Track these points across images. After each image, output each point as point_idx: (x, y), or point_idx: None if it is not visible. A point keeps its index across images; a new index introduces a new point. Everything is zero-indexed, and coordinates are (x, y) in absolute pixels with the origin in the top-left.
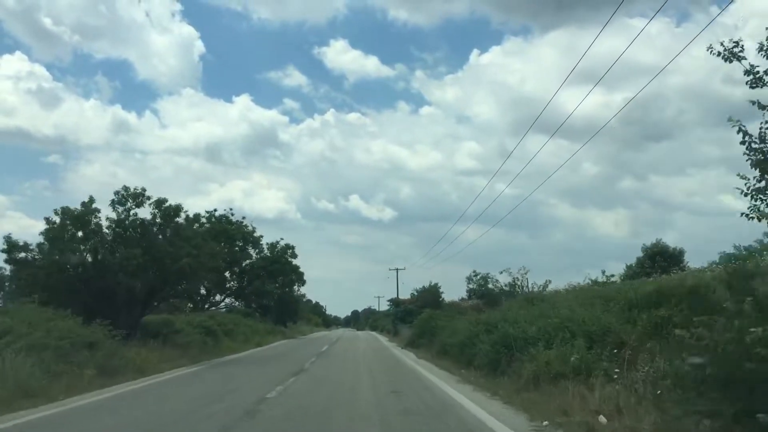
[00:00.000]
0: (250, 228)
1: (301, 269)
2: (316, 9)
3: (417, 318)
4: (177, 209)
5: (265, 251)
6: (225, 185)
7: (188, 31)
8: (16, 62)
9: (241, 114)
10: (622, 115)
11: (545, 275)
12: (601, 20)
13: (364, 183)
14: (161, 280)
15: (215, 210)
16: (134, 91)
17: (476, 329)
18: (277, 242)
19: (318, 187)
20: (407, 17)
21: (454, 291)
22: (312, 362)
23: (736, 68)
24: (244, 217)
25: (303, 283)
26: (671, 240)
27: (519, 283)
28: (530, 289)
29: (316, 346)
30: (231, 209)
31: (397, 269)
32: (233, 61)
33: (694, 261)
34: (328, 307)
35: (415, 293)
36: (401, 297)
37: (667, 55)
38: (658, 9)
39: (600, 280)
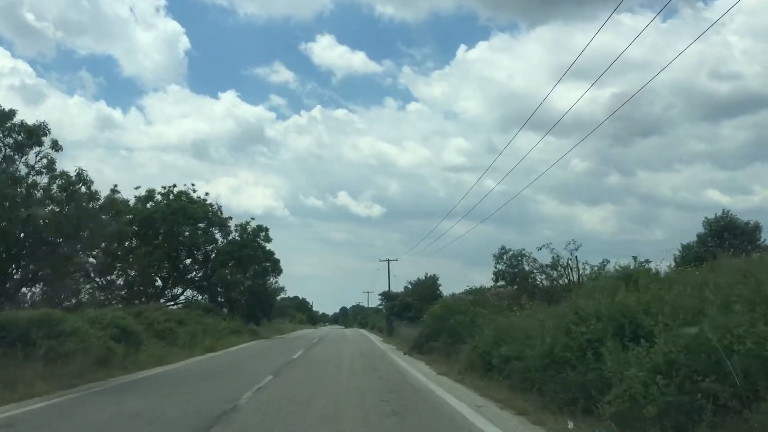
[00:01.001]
0: (215, 207)
1: (276, 256)
2: (303, 4)
3: (426, 312)
4: (35, 131)
5: (234, 234)
6: (211, 182)
7: (173, 26)
8: None
9: (228, 110)
10: (609, 111)
11: None
12: (588, 16)
13: (352, 180)
14: (5, 246)
15: (173, 185)
16: (119, 88)
17: (586, 331)
18: (247, 223)
19: (306, 183)
20: (394, 12)
21: (447, 285)
22: (261, 387)
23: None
24: (207, 193)
25: (279, 272)
26: (658, 236)
27: (567, 262)
28: (581, 271)
29: (287, 351)
30: (193, 184)
31: (388, 260)
32: (219, 57)
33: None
34: (317, 305)
35: (409, 286)
36: (393, 291)
37: (653, 50)
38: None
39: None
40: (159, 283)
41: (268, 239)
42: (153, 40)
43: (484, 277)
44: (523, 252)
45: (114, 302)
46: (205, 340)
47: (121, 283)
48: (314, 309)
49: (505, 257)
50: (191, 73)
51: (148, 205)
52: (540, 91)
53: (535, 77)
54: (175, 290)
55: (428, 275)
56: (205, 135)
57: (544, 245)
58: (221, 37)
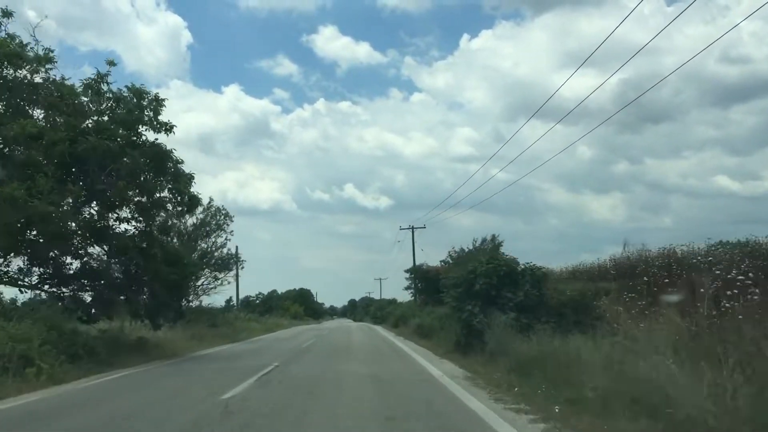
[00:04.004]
0: (44, 54)
1: (193, 178)
2: None
3: None
4: None
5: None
6: (217, 177)
7: (174, 20)
8: None
9: (232, 104)
10: (616, 97)
11: (539, 261)
12: (595, 1)
13: (358, 172)
14: None
15: None
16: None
17: None
18: (103, 77)
19: (312, 176)
20: (397, 2)
21: None
22: None
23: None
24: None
25: (189, 200)
26: (667, 223)
27: None
28: None
29: None
30: None
31: (412, 227)
32: (222, 50)
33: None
34: (327, 299)
35: (449, 260)
36: (418, 266)
37: (660, 34)
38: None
39: None
40: None
41: (161, 125)
42: (155, 34)
43: None
44: None
45: None
46: None
47: None
48: (320, 301)
49: None
50: (194, 67)
51: None
52: (546, 78)
53: (541, 65)
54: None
55: (484, 238)
56: (210, 129)
57: None
58: (223, 31)
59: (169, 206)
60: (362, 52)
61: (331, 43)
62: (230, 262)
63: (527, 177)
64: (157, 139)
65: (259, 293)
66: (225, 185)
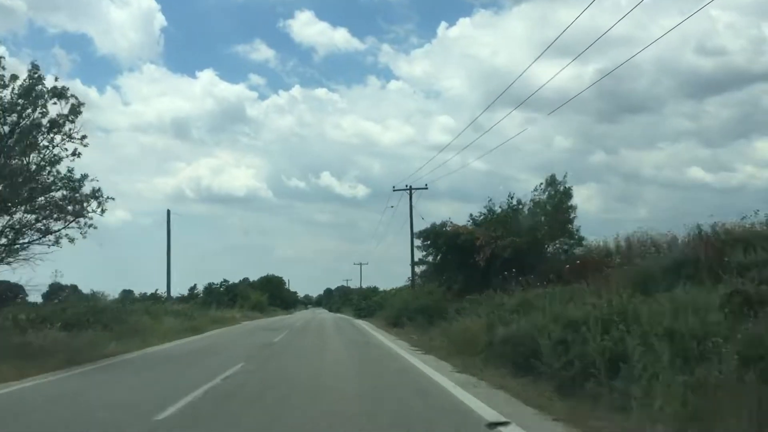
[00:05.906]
0: None
1: None
2: None
3: None
4: None
5: None
6: (192, 163)
7: (148, 3)
8: None
9: (206, 89)
10: (595, 87)
11: None
12: None
13: (335, 159)
14: None
15: None
16: (94, 66)
17: None
18: None
19: (288, 164)
20: None
21: None
22: None
23: (706, 38)
24: None
25: None
26: (642, 215)
27: None
28: None
29: None
30: None
31: (410, 187)
32: (196, 34)
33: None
34: (303, 288)
35: (475, 221)
36: (439, 225)
37: (637, 26)
38: None
39: None
40: None
41: None
42: (128, 17)
43: None
44: None
45: None
46: None
47: None
48: (293, 290)
49: None
50: (168, 51)
51: None
52: (525, 67)
53: (519, 54)
54: None
55: (546, 180)
56: (185, 115)
57: None
58: (198, 14)
59: None
60: (340, 38)
61: (308, 28)
62: (81, 202)
63: (505, 167)
64: None
65: (224, 280)
66: (200, 172)
